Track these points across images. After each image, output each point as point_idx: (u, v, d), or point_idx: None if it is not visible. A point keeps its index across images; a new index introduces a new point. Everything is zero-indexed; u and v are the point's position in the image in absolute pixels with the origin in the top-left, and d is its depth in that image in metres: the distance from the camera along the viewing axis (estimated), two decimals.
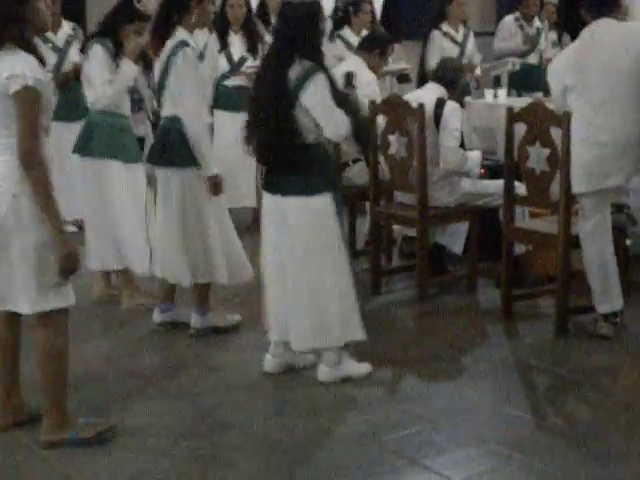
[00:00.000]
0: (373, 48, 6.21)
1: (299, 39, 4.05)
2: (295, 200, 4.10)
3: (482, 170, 5.57)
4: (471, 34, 8.01)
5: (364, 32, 7.33)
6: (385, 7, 8.68)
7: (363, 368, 4.30)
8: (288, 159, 4.06)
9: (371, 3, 7.64)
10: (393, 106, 5.44)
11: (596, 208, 4.70)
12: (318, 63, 4.06)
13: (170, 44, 4.64)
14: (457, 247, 5.76)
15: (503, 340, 4.87)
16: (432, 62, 7.07)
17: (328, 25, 7.27)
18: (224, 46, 6.86)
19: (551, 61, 5.19)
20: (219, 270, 4.79)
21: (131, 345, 4.84)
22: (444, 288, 5.63)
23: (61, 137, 6.18)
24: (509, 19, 8.49)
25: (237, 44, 6.89)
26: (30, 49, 3.47)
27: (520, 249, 5.44)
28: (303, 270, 4.13)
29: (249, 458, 3.58)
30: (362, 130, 4.33)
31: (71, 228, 6.02)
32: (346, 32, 7.47)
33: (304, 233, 4.11)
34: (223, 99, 6.84)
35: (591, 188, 4.66)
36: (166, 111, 4.75)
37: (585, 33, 4.73)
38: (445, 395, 4.16)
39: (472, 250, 5.59)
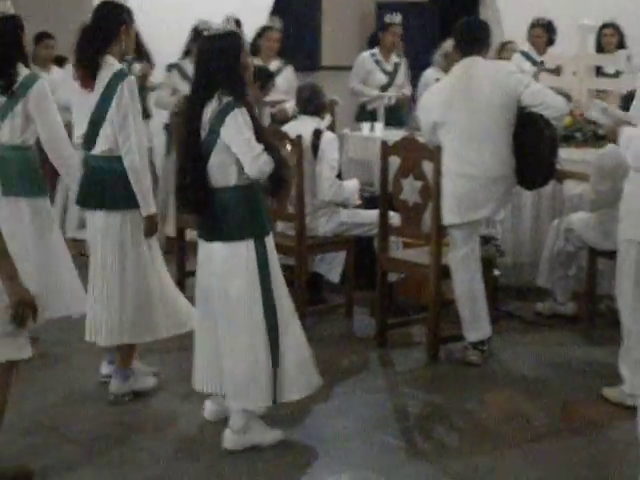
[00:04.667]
0: (255, 81, 6.24)
1: (218, 74, 3.76)
2: (218, 246, 3.84)
3: (359, 201, 5.69)
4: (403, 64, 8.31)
5: (275, 61, 7.38)
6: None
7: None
8: (208, 203, 3.79)
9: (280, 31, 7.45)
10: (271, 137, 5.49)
11: (466, 239, 4.87)
12: (239, 98, 3.76)
13: (106, 74, 4.22)
14: (334, 276, 5.87)
15: (377, 368, 4.98)
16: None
17: None
18: None
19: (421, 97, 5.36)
20: (159, 324, 4.38)
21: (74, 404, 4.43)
22: (321, 316, 5.71)
23: None
24: (365, 56, 8.29)
25: None
26: None
27: (394, 277, 5.56)
28: (224, 321, 3.86)
29: None
30: (280, 171, 3.86)
31: None
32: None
33: (225, 281, 3.84)
34: None
35: (461, 220, 4.82)
36: (101, 147, 4.27)
37: (455, 70, 4.91)
38: (317, 422, 4.22)
39: (348, 279, 5.70)
